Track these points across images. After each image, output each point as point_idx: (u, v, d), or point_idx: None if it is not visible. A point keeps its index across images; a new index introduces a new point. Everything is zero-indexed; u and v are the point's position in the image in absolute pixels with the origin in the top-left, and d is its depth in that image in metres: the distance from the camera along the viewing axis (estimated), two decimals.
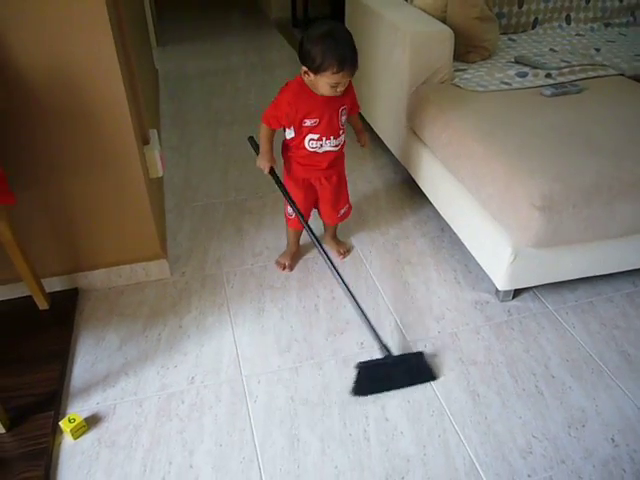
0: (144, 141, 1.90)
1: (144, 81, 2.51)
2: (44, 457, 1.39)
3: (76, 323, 1.82)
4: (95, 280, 1.94)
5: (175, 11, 5.47)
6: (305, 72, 1.65)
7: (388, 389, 1.59)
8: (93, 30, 1.51)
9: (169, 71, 4.00)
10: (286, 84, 1.75)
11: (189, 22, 5.23)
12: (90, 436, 1.48)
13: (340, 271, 1.74)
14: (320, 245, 1.80)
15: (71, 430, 1.45)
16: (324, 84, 1.63)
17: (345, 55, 1.58)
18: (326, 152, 1.82)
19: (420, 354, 1.67)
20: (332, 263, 1.76)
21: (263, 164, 1.81)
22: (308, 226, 1.87)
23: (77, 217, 1.81)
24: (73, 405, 1.56)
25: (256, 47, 4.52)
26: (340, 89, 1.66)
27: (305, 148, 1.80)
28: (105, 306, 1.89)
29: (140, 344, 1.75)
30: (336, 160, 1.88)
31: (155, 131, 2.03)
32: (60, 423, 1.46)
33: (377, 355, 1.66)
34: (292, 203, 1.85)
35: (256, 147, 1.86)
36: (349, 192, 2.06)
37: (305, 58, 1.62)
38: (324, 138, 1.77)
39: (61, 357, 1.67)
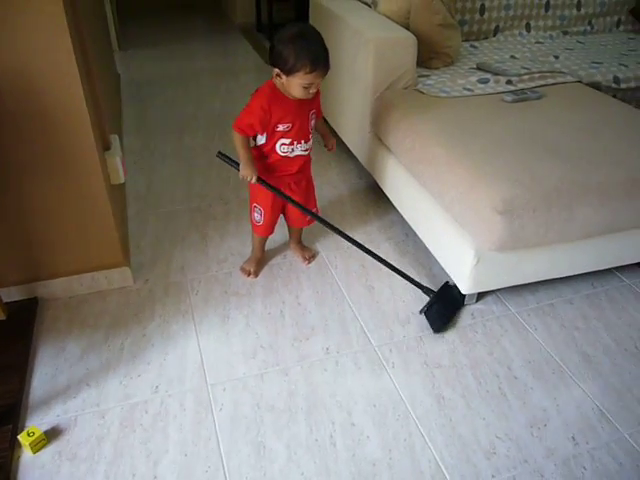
0: (105, 147, 1.87)
1: (105, 86, 2.47)
2: (2, 472, 1.35)
3: (35, 333, 1.77)
4: (55, 289, 1.90)
5: (138, 15, 5.41)
6: (277, 75, 1.65)
7: (451, 317, 1.87)
8: (51, 34, 1.48)
9: (132, 76, 3.95)
10: (257, 90, 1.74)
11: (152, 26, 5.18)
12: (50, 449, 1.44)
13: (305, 277, 1.74)
14: (342, 233, 1.96)
15: (30, 444, 1.40)
16: (296, 86, 1.63)
17: (318, 55, 1.59)
18: (297, 156, 1.82)
19: (446, 283, 1.95)
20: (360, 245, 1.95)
21: (248, 173, 1.76)
22: (322, 219, 1.97)
23: (36, 224, 1.77)
24: (32, 418, 1.51)
25: (220, 52, 4.50)
26: (312, 90, 1.66)
27: (277, 153, 1.79)
28: (66, 316, 1.85)
29: (102, 354, 1.71)
30: (305, 164, 1.89)
31: (116, 136, 2.00)
32: (19, 437, 1.42)
33: (342, 360, 1.66)
34: (292, 201, 1.87)
35: (230, 160, 1.82)
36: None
37: (277, 60, 1.62)
38: (295, 142, 1.78)
39: (20, 369, 1.63)
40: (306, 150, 1.83)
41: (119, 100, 3.46)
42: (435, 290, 1.91)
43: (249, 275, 2.02)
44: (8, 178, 1.65)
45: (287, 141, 1.77)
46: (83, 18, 1.75)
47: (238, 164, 1.78)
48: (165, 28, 5.12)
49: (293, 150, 1.80)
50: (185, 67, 4.13)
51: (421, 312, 1.86)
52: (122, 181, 1.95)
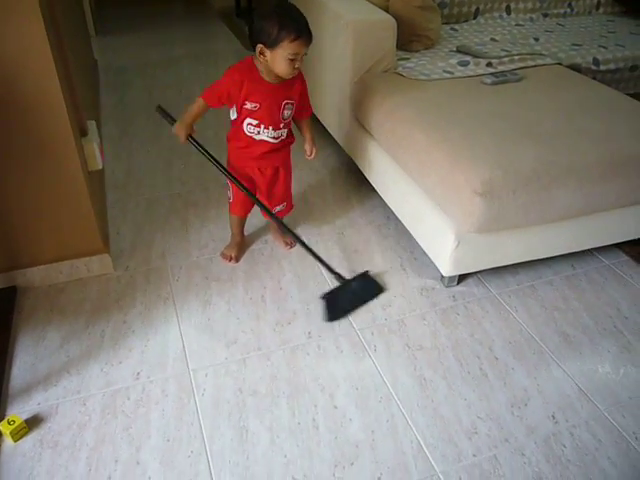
0: (82, 132, 1.84)
1: (81, 71, 2.43)
2: None
3: (15, 322, 1.75)
4: (34, 277, 1.87)
5: (116, 0, 5.31)
6: (260, 52, 1.64)
7: (353, 309, 1.81)
8: (23, 18, 1.45)
9: (110, 62, 3.88)
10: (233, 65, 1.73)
11: (130, 11, 5.08)
12: (31, 437, 1.43)
13: (286, 261, 1.73)
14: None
15: (11, 432, 1.39)
16: (282, 59, 1.62)
17: (300, 22, 1.61)
18: (262, 141, 1.80)
19: (366, 273, 1.90)
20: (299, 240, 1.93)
21: (178, 131, 1.78)
22: (256, 199, 1.90)
23: (13, 212, 1.74)
24: (13, 407, 1.50)
25: (200, 37, 4.44)
26: (297, 65, 1.64)
27: (243, 131, 1.78)
28: (45, 304, 1.83)
29: (83, 341, 1.70)
30: (272, 153, 1.85)
31: (94, 122, 1.97)
32: None
33: (324, 344, 1.67)
34: (243, 188, 1.84)
35: (166, 116, 1.84)
36: (292, 190, 2.05)
37: (260, 35, 1.61)
38: (262, 126, 1.76)
39: None
40: (275, 138, 1.80)
41: (97, 86, 3.40)
42: (347, 278, 1.88)
43: (230, 260, 2.01)
44: None
45: (254, 122, 1.75)
46: (57, 1, 1.71)
47: (174, 121, 1.80)
48: (143, 13, 5.03)
49: (259, 133, 1.78)
50: (164, 52, 4.07)
51: (322, 297, 1.83)
52: (100, 167, 1.92)
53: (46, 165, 1.69)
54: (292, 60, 1.62)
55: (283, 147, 1.88)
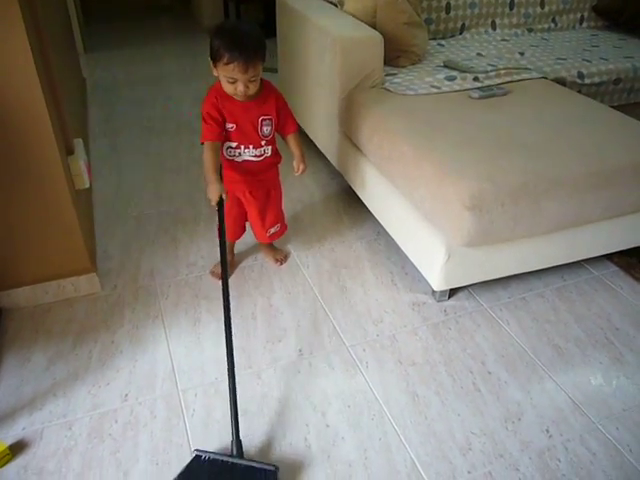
0: (68, 151, 1.82)
1: (68, 88, 2.41)
2: None
3: None
4: (19, 298, 1.84)
5: (104, 17, 5.33)
6: (214, 68, 1.63)
7: None
8: (7, 35, 1.44)
9: (98, 79, 3.88)
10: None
11: (119, 28, 5.10)
12: (16, 464, 1.39)
13: (277, 278, 1.71)
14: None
15: None
16: (223, 79, 1.61)
17: (234, 46, 1.54)
18: (245, 162, 1.78)
19: (272, 472, 1.33)
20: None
21: (211, 194, 1.66)
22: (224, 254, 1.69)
23: None
24: None
25: (188, 54, 4.45)
26: (240, 89, 1.60)
27: (224, 156, 1.77)
28: (30, 325, 1.80)
29: (69, 363, 1.66)
30: (259, 172, 1.83)
31: (80, 140, 1.96)
32: None
33: (315, 361, 1.65)
34: (222, 245, 1.69)
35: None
36: (284, 208, 2.04)
37: (210, 51, 1.60)
38: (242, 146, 1.74)
39: None
40: (258, 157, 1.78)
41: (85, 104, 3.39)
42: (241, 455, 1.37)
43: (220, 279, 1.99)
44: None
45: (233, 144, 1.74)
46: (43, 18, 1.70)
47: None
48: (132, 30, 5.05)
49: (240, 154, 1.76)
50: (152, 69, 4.08)
51: (193, 451, 1.38)
52: (87, 186, 1.90)
53: (32, 184, 1.67)
54: (232, 83, 1.60)
55: (270, 167, 1.87)
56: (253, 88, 1.64)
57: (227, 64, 1.56)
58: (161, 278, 2.00)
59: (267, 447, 1.43)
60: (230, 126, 1.70)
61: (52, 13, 2.37)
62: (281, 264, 2.07)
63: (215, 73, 1.63)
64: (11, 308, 1.85)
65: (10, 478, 1.36)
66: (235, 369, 1.48)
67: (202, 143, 1.70)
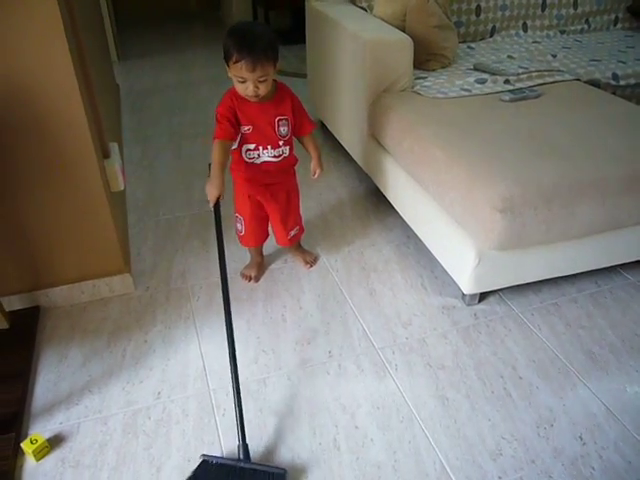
0: (104, 154, 1.87)
1: (104, 94, 2.48)
2: None
3: (37, 342, 1.77)
4: (56, 297, 1.89)
5: (136, 25, 5.43)
6: (228, 68, 1.65)
7: None
8: (48, 43, 1.49)
9: (131, 86, 3.96)
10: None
11: (150, 36, 5.20)
12: (53, 457, 1.43)
13: (306, 280, 1.72)
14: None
15: (33, 451, 1.40)
16: (234, 79, 1.63)
17: (243, 45, 1.55)
18: (265, 163, 1.79)
19: (281, 475, 1.34)
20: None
21: (209, 190, 1.67)
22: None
23: (36, 233, 1.77)
24: (35, 426, 1.51)
25: (218, 60, 4.46)
26: (251, 88, 1.61)
27: (244, 160, 1.78)
28: (67, 323, 1.84)
29: (104, 360, 1.70)
30: (279, 173, 1.84)
31: (116, 144, 2.00)
32: (22, 445, 1.41)
33: (345, 363, 1.66)
34: (220, 244, 1.70)
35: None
36: (308, 210, 2.07)
37: (223, 51, 1.62)
38: (261, 147, 1.75)
39: (22, 377, 1.62)
40: (277, 157, 1.78)
41: (118, 110, 3.47)
42: (248, 459, 1.39)
43: (249, 280, 2.02)
44: (7, 187, 1.66)
45: (251, 146, 1.75)
46: (81, 27, 1.75)
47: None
48: (163, 37, 5.15)
49: (259, 156, 1.77)
50: (183, 76, 4.15)
51: (201, 456, 1.40)
52: (122, 188, 1.95)
53: (69, 187, 1.72)
54: (242, 82, 1.61)
55: (289, 167, 1.88)
56: (263, 89, 1.64)
57: (235, 63, 1.57)
58: (192, 280, 2.04)
59: (297, 447, 1.44)
60: (247, 128, 1.72)
61: (89, 22, 2.43)
62: (311, 267, 2.09)
63: (229, 74, 1.65)
64: (49, 307, 1.90)
65: (48, 470, 1.40)
66: (265, 369, 1.49)
67: (214, 140, 1.70)
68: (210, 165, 1.71)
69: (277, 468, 1.36)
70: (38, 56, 1.49)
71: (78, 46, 1.69)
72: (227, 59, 1.61)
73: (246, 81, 1.60)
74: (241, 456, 1.38)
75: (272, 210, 1.92)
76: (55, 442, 1.46)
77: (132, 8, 5.54)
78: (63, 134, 1.63)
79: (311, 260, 2.10)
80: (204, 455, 1.40)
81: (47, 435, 1.47)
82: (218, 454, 1.42)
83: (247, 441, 1.41)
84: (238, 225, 1.96)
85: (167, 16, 5.81)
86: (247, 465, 1.37)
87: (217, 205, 1.70)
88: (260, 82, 1.61)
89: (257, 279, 2.03)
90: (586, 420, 1.52)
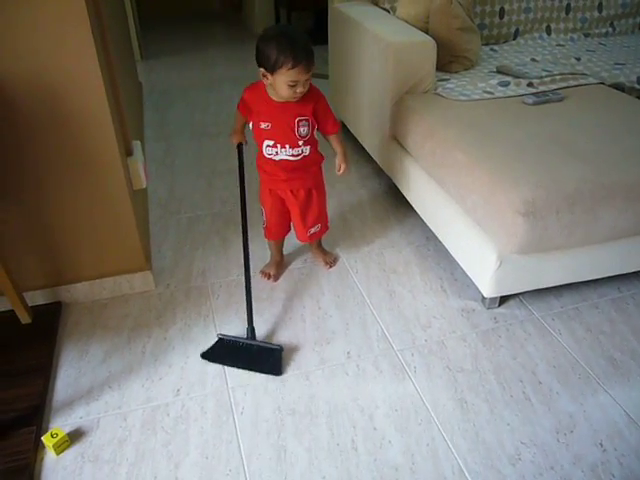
0: (127, 152, 1.89)
1: (127, 93, 2.50)
2: (26, 473, 1.36)
3: (59, 337, 1.79)
4: (78, 293, 1.92)
5: (159, 25, 5.48)
6: (263, 75, 1.65)
7: (234, 366, 1.69)
8: (76, 42, 1.51)
9: (153, 84, 4.00)
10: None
11: (173, 36, 5.24)
12: (73, 451, 1.45)
13: (325, 281, 1.72)
14: None
15: (54, 445, 1.42)
16: (282, 84, 1.62)
17: (299, 50, 1.57)
18: (282, 161, 1.80)
19: (278, 350, 1.71)
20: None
21: (231, 137, 1.93)
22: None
23: (59, 230, 1.79)
24: (56, 420, 1.53)
25: (240, 60, 4.53)
26: (299, 90, 1.64)
27: (264, 155, 1.81)
28: (88, 319, 1.87)
29: (124, 357, 1.72)
30: (299, 170, 1.84)
31: (138, 142, 2.02)
32: (42, 438, 1.43)
33: (363, 364, 1.66)
34: (241, 183, 1.93)
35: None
36: (328, 210, 2.05)
37: (260, 59, 1.62)
38: (279, 145, 1.76)
39: (44, 371, 1.65)
40: (295, 156, 1.79)
41: (141, 108, 3.50)
42: (253, 337, 1.76)
43: (269, 278, 2.02)
44: (31, 183, 1.68)
45: (270, 142, 1.77)
46: (106, 26, 1.77)
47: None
48: (186, 37, 5.18)
49: (277, 153, 1.78)
50: (205, 75, 4.18)
51: (218, 336, 1.78)
52: (144, 186, 1.96)
53: (92, 184, 1.74)
54: (292, 86, 1.62)
55: (310, 165, 1.87)
56: (307, 86, 1.67)
57: (292, 69, 1.58)
58: (212, 278, 2.05)
59: (314, 447, 1.45)
60: (265, 125, 1.74)
61: (114, 21, 2.46)
62: (330, 267, 2.09)
63: (268, 80, 1.64)
64: (71, 302, 1.92)
65: (68, 464, 1.42)
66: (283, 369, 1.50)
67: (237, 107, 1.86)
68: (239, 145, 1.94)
69: (275, 345, 1.73)
70: (64, 55, 1.51)
71: (104, 45, 1.71)
72: (276, 66, 1.59)
73: (296, 84, 1.62)
74: (249, 335, 1.75)
75: (292, 205, 1.93)
76: (75, 436, 1.48)
77: (155, 8, 5.59)
78: (87, 132, 1.65)
79: (331, 261, 2.10)
80: (220, 334, 1.76)
81: (67, 429, 1.49)
82: (236, 451, 1.43)
83: (252, 324, 1.77)
84: (263, 217, 1.98)
85: (190, 16, 5.86)
86: (253, 342, 1.75)
87: (240, 148, 1.93)
88: (307, 81, 1.65)
89: (276, 278, 2.03)
90: (607, 427, 1.50)
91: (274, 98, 1.71)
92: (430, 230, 2.14)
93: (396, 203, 2.46)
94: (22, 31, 1.45)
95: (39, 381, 1.61)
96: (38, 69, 1.51)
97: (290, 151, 1.78)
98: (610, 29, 2.99)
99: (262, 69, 1.63)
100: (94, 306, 1.92)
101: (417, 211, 2.22)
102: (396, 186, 2.38)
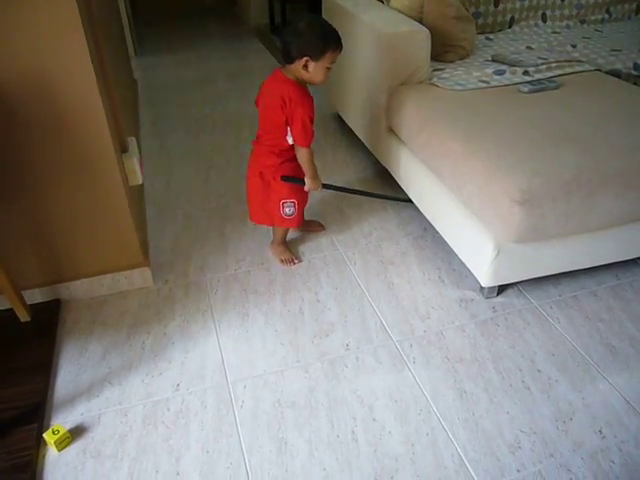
0: (123, 148, 1.88)
1: (122, 89, 2.49)
2: (28, 470, 1.37)
3: (58, 334, 1.80)
4: (77, 290, 1.92)
5: (154, 21, 5.45)
6: (304, 66, 1.71)
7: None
8: (67, 39, 1.50)
9: (149, 80, 3.98)
10: (292, 97, 1.74)
11: (168, 31, 5.21)
12: (75, 447, 1.45)
13: (324, 274, 1.73)
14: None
15: (55, 442, 1.42)
16: (322, 69, 1.73)
17: (337, 33, 1.73)
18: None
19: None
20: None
21: (316, 185, 1.94)
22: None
23: (56, 227, 1.79)
24: (57, 417, 1.53)
25: (235, 54, 4.51)
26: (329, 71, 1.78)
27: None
28: (88, 316, 1.87)
29: (124, 353, 1.72)
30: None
31: (134, 139, 2.02)
32: (44, 435, 1.44)
33: (363, 356, 1.67)
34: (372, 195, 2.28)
35: (294, 180, 1.94)
36: (325, 202, 2.08)
37: (306, 48, 1.69)
38: None
39: (44, 369, 1.65)
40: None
41: (136, 105, 3.49)
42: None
43: (293, 262, 2.07)
44: (27, 181, 1.68)
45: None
46: (99, 23, 1.76)
47: (302, 181, 1.92)
48: (180, 33, 5.15)
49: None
50: (200, 70, 4.16)
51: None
52: (140, 182, 1.96)
53: (88, 181, 1.74)
54: (328, 69, 1.74)
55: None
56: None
57: (335, 50, 1.72)
58: (211, 273, 2.05)
59: (314, 439, 1.45)
60: None
61: (107, 17, 2.45)
62: (324, 229, 2.25)
63: (309, 69, 1.72)
64: (69, 300, 1.92)
65: (70, 460, 1.42)
66: (283, 362, 1.50)
67: (306, 147, 1.83)
68: (284, 178, 1.93)
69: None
70: (56, 52, 1.50)
71: (96, 42, 1.70)
72: (324, 49, 1.69)
73: (331, 67, 1.76)
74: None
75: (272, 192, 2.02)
76: (76, 433, 1.49)
77: (149, 4, 5.56)
78: (81, 129, 1.64)
79: (319, 225, 2.26)
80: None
81: (69, 426, 1.49)
82: (237, 445, 1.44)
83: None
84: (287, 210, 1.99)
85: (183, 11, 5.82)
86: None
87: (325, 185, 2.04)
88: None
89: (297, 258, 2.09)
90: (606, 414, 1.50)
91: (312, 83, 1.80)
92: (427, 221, 2.14)
93: (393, 194, 2.45)
94: (14, 31, 1.44)
95: (39, 378, 1.61)
96: (30, 68, 1.50)
97: None
98: (606, 15, 2.98)
99: (306, 58, 1.70)
100: (93, 303, 1.92)
101: (414, 202, 2.22)
102: (393, 177, 2.38)
